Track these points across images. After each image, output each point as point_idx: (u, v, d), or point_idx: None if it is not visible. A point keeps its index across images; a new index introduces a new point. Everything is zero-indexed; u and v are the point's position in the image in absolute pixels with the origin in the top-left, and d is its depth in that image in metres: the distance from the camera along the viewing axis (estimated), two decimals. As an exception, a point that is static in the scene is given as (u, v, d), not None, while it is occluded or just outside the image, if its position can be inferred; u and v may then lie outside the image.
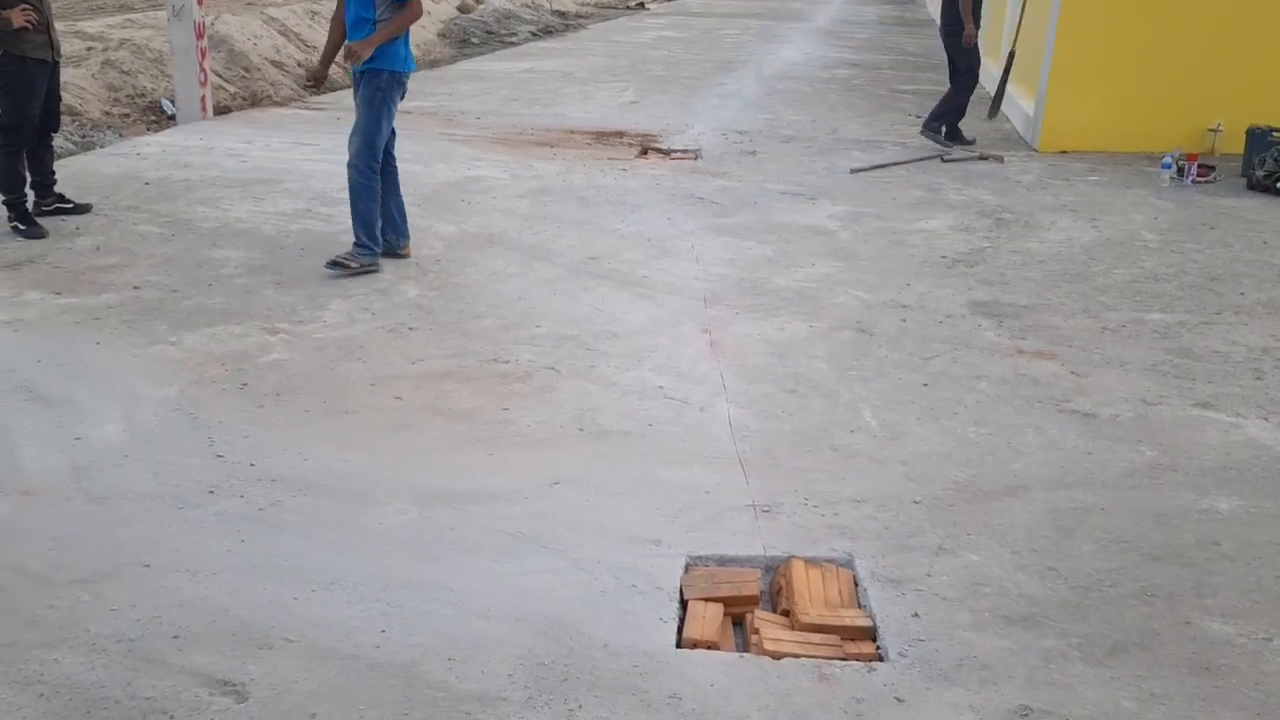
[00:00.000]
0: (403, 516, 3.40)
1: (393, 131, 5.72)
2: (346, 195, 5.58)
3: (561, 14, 20.02)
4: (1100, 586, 3.11)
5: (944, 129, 9.07)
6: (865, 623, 2.93)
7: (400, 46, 5.48)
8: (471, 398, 4.25)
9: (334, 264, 5.55)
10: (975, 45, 8.99)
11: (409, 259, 5.83)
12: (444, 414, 4.11)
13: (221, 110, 9.83)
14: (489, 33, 16.58)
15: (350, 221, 5.62)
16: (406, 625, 2.87)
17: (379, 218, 5.65)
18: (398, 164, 5.90)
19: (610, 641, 2.82)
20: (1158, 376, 4.59)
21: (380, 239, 5.68)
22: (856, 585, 3.12)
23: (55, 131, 6.48)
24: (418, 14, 5.46)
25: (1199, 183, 7.90)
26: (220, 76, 10.55)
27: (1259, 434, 4.09)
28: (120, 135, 8.96)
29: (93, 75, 9.99)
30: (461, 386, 4.35)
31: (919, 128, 9.28)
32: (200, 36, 9.07)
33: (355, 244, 5.62)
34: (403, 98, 5.67)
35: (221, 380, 4.32)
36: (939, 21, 9.38)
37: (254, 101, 10.52)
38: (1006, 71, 9.50)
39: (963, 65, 9.01)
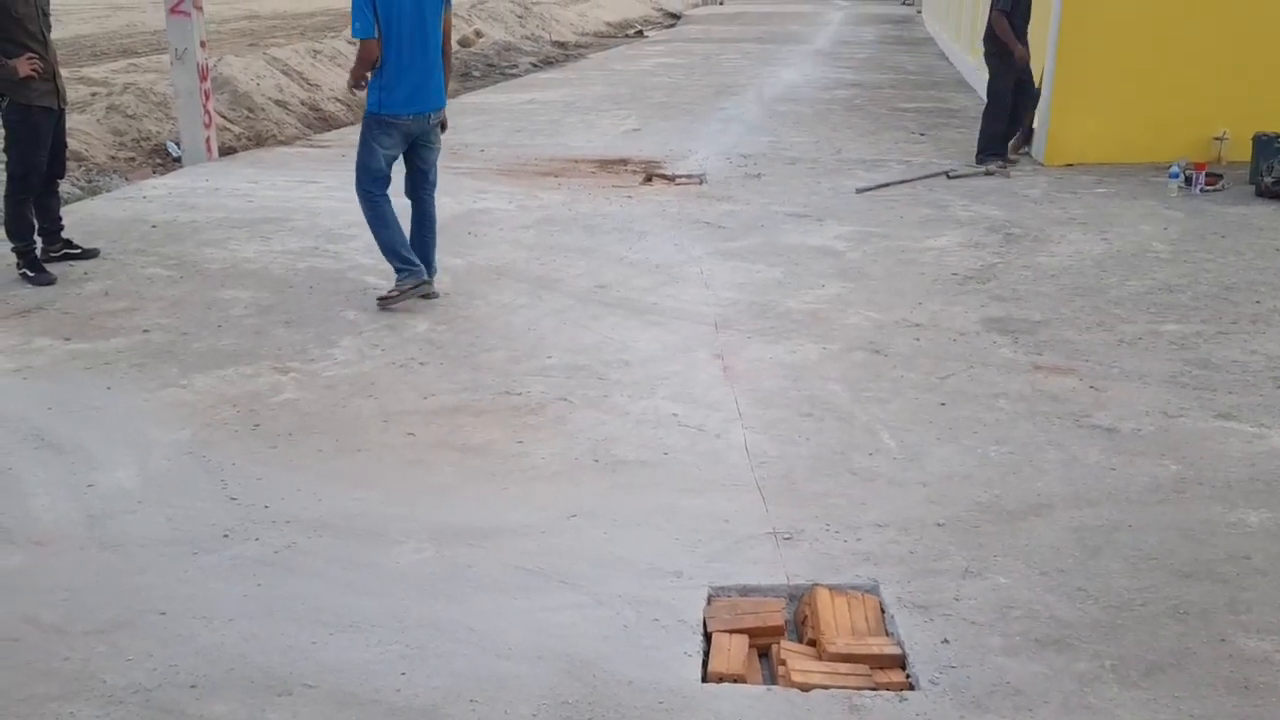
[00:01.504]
0: (419, 555, 3.36)
1: (423, 174, 5.67)
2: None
3: (561, 45, 20.12)
4: (1131, 606, 3.06)
5: (998, 146, 8.92)
6: (894, 650, 2.88)
7: (378, 89, 5.33)
8: (485, 432, 4.21)
9: (382, 301, 5.52)
10: (1026, 64, 8.72)
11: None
12: (457, 449, 4.08)
13: (227, 151, 9.86)
14: (490, 65, 16.66)
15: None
16: (427, 667, 2.82)
17: (400, 240, 5.57)
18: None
19: (634, 678, 2.77)
20: (1177, 388, 4.54)
21: (411, 258, 5.57)
22: (883, 612, 3.07)
23: (61, 178, 6.48)
24: (361, 58, 5.31)
25: (1207, 191, 7.86)
26: (225, 118, 10.59)
27: (1284, 444, 4.03)
28: (126, 179, 8.98)
29: (98, 120, 10.03)
30: (474, 420, 4.31)
31: (999, 160, 8.85)
32: (204, 79, 9.12)
33: (395, 272, 5.61)
34: (408, 139, 5.51)
35: (233, 422, 4.30)
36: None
37: (259, 141, 10.56)
38: (1034, 106, 9.22)
39: (1000, 87, 8.78)
